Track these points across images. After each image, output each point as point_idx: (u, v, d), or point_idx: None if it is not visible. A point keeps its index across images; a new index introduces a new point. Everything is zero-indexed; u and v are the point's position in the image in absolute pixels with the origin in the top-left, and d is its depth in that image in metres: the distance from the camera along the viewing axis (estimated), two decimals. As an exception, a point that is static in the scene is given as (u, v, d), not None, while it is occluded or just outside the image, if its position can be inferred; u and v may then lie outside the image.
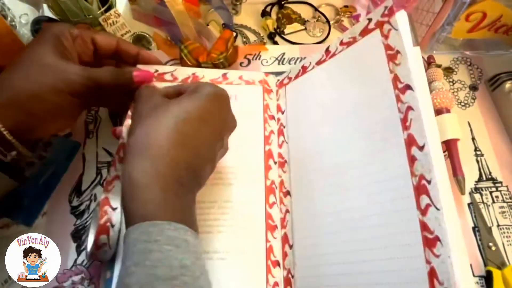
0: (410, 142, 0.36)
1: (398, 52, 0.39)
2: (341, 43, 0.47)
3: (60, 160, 0.51)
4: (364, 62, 0.44)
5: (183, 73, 0.52)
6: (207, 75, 0.52)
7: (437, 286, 0.30)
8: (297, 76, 0.52)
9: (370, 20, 0.44)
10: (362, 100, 0.42)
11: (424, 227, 0.33)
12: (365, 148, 0.40)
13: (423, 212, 0.33)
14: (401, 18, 0.40)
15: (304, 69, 0.51)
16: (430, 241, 0.32)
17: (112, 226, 0.42)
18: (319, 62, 0.49)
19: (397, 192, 0.36)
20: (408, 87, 0.37)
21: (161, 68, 0.52)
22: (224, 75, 0.52)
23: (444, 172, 0.34)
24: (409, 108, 0.37)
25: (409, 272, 0.33)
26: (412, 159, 0.35)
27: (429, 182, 0.33)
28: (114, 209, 0.42)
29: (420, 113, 0.35)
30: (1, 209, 0.47)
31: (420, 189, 0.34)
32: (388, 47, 0.41)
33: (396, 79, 0.39)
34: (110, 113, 0.55)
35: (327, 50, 0.48)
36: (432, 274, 0.31)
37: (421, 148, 0.34)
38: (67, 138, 0.53)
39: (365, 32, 0.44)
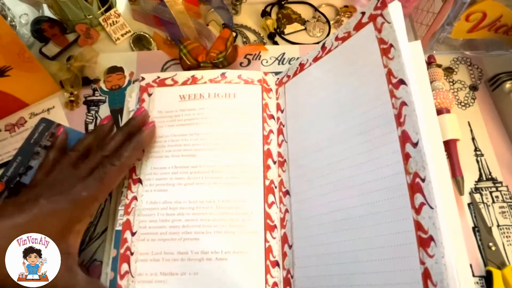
0: (404, 138, 0.35)
1: (391, 46, 0.38)
2: (336, 38, 0.46)
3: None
4: (358, 57, 0.43)
5: (183, 76, 0.52)
6: (206, 75, 0.52)
7: (431, 287, 0.30)
8: (295, 74, 0.52)
9: (363, 13, 0.43)
10: (357, 96, 0.42)
11: (418, 226, 0.32)
12: (361, 145, 0.40)
13: (417, 211, 0.32)
14: (394, 10, 0.39)
15: (301, 67, 0.51)
16: (424, 241, 0.31)
17: (132, 254, 0.43)
18: (315, 59, 0.49)
19: (392, 190, 0.35)
20: (401, 81, 0.36)
21: (162, 75, 0.52)
22: (223, 74, 0.52)
23: (446, 170, 0.34)
24: (403, 103, 0.36)
25: (403, 272, 0.33)
26: (406, 157, 0.35)
27: (423, 180, 0.33)
28: (133, 234, 0.44)
29: (414, 109, 0.35)
30: (8, 197, 0.48)
31: (414, 187, 0.33)
32: (381, 41, 0.40)
33: (389, 73, 0.38)
34: (111, 112, 0.55)
35: (323, 46, 0.48)
36: (426, 275, 0.31)
37: (414, 145, 0.34)
38: (73, 129, 0.53)
39: (359, 26, 0.43)
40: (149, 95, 0.51)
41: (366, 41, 0.42)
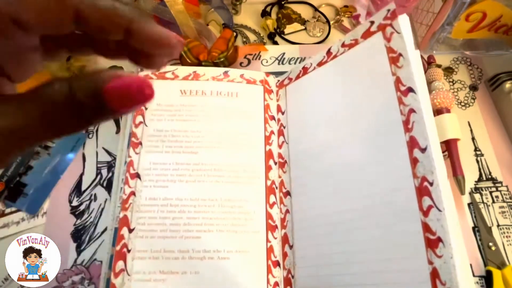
0: (412, 144, 0.36)
1: (400, 55, 0.39)
2: (343, 45, 0.47)
3: (65, 151, 0.52)
4: (366, 64, 0.44)
5: (184, 71, 0.52)
6: (208, 73, 0.52)
7: (440, 286, 0.31)
8: (297, 77, 0.52)
9: (372, 22, 0.44)
10: (364, 102, 0.42)
11: (426, 228, 0.33)
12: (367, 149, 0.40)
13: (425, 213, 0.33)
14: (403, 21, 0.40)
15: (305, 70, 0.51)
16: (432, 242, 0.32)
17: (128, 251, 0.42)
18: (320, 64, 0.49)
19: (399, 193, 0.36)
20: (410, 89, 0.37)
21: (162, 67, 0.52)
22: (226, 73, 0.53)
23: (444, 173, 0.34)
24: (411, 110, 0.37)
25: (411, 272, 0.33)
26: (414, 161, 0.35)
27: (431, 183, 0.33)
28: (131, 231, 0.43)
29: (422, 116, 0.36)
30: (7, 197, 0.49)
31: (422, 191, 0.34)
32: (390, 50, 0.41)
33: (398, 81, 0.39)
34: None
35: (329, 52, 0.49)
36: (434, 274, 0.31)
37: (423, 150, 0.35)
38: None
39: (367, 34, 0.44)
40: None
41: (375, 49, 0.43)
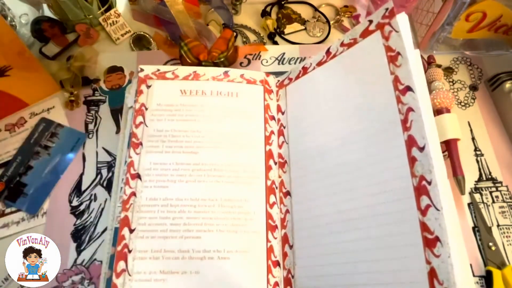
0: (411, 143, 0.36)
1: (398, 53, 0.39)
2: (342, 44, 0.47)
3: (65, 151, 0.52)
4: (364, 64, 0.44)
5: (184, 71, 0.52)
6: (208, 72, 0.52)
7: (437, 286, 0.31)
8: (297, 77, 0.52)
9: (371, 21, 0.44)
10: (363, 101, 0.42)
11: (424, 227, 0.33)
12: (366, 149, 0.40)
13: (423, 212, 0.33)
14: (402, 20, 0.40)
15: (304, 70, 0.51)
16: (430, 241, 0.32)
17: (129, 251, 0.42)
18: (319, 63, 0.49)
19: (397, 193, 0.36)
20: (408, 88, 0.37)
21: (162, 67, 0.52)
22: (226, 73, 0.53)
23: (443, 172, 0.34)
24: (410, 109, 0.37)
25: (409, 272, 0.33)
26: (412, 160, 0.35)
27: (429, 183, 0.33)
28: (132, 231, 0.43)
29: (420, 114, 0.36)
30: (7, 197, 0.49)
31: (421, 190, 0.34)
32: (388, 49, 0.41)
33: (396, 80, 0.39)
34: (111, 112, 0.55)
35: (328, 51, 0.49)
36: (432, 274, 0.31)
37: (421, 149, 0.35)
38: (72, 129, 0.53)
39: (365, 33, 0.44)
40: (148, 87, 0.50)
41: (373, 48, 0.43)
